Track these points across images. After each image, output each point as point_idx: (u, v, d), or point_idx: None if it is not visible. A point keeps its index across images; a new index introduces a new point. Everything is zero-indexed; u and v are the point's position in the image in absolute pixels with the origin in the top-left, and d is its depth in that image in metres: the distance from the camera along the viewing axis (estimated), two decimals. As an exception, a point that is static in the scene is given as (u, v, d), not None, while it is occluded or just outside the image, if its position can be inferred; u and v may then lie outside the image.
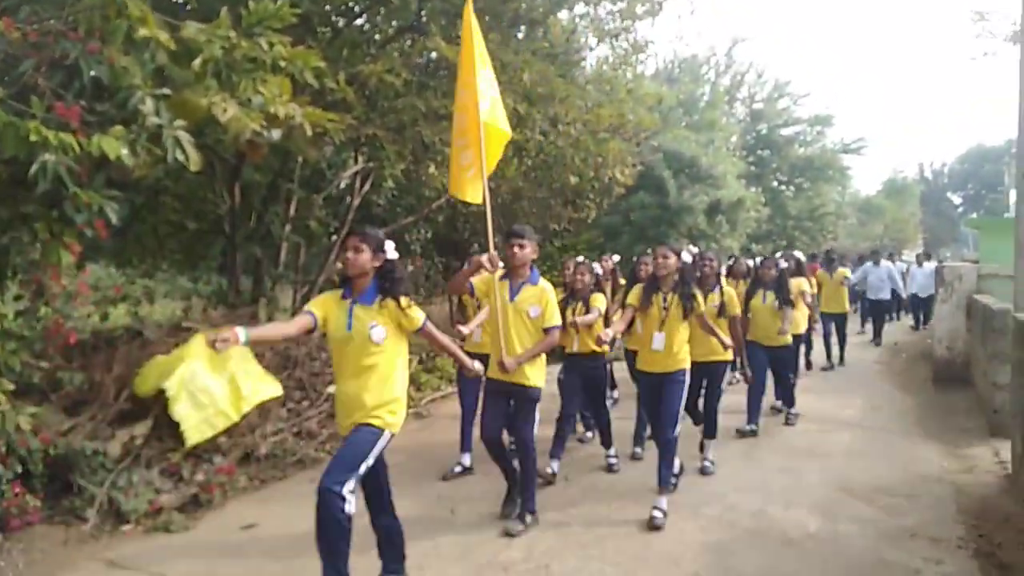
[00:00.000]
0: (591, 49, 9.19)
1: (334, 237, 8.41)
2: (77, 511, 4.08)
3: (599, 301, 5.06)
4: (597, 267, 5.42)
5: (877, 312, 12.28)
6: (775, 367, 6.56)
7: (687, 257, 4.54)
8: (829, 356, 9.72)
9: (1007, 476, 5.05)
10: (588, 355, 5.12)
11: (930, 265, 13.55)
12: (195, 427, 4.62)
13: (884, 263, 12.36)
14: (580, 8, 8.31)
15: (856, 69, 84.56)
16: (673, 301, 4.42)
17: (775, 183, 22.18)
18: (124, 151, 3.27)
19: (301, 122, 3.96)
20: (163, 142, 3.44)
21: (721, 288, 5.47)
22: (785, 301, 6.20)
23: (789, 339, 6.42)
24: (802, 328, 7.43)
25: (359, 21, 7.32)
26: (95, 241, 3.95)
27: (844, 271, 9.71)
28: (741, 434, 6.06)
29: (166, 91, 3.52)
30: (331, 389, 4.18)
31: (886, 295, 12.06)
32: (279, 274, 7.98)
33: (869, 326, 12.45)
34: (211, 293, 7.50)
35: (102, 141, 3.22)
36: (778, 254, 7.49)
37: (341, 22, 7.03)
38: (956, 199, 48.47)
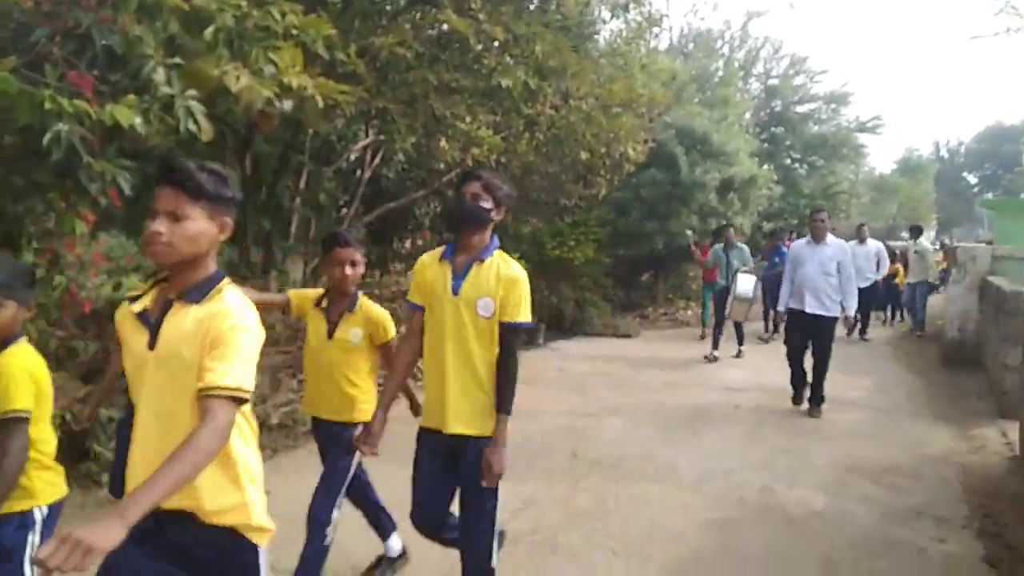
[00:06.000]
0: (604, 22, 9.09)
1: (344, 210, 8.40)
2: (94, 476, 4.15)
3: None
4: None
5: (813, 339, 6.25)
6: None
7: None
8: None
9: (1014, 457, 5.06)
10: None
11: (874, 243, 10.64)
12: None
13: (798, 244, 6.57)
14: (594, -21, 8.21)
15: (872, 44, 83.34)
16: None
17: (788, 161, 21.90)
18: (137, 120, 3.26)
19: (312, 93, 3.94)
20: (175, 112, 3.43)
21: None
22: None
23: None
24: None
25: (370, -8, 7.23)
26: (108, 211, 3.96)
27: None
28: None
29: (178, 60, 3.51)
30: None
31: (828, 308, 6.12)
32: (289, 247, 7.99)
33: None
34: (222, 264, 7.55)
35: (115, 110, 3.21)
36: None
37: (352, -8, 6.95)
38: (972, 179, 47.78)
